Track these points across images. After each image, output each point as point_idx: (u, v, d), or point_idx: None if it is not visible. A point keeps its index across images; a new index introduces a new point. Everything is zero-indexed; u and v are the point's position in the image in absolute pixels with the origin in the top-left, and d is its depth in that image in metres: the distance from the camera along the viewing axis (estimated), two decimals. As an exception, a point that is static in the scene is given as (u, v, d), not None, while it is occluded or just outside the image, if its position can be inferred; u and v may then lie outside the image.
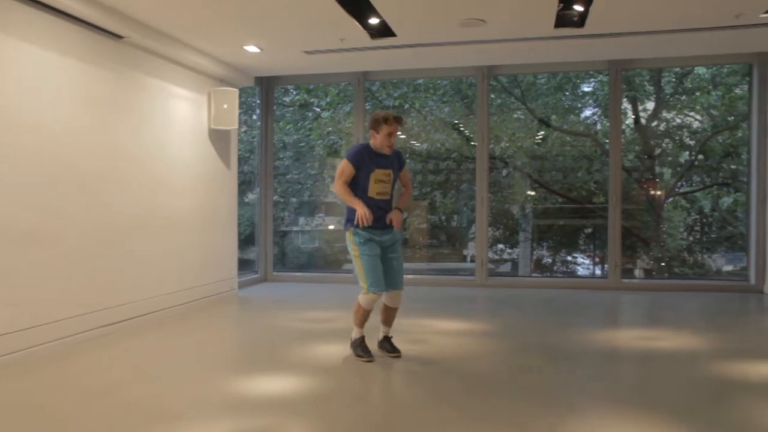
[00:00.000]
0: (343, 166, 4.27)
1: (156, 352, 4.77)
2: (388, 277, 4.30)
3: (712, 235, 9.42)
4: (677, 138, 9.17)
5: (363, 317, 4.35)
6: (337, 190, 4.30)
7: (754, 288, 7.31)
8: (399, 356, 4.40)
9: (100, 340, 4.95)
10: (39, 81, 4.59)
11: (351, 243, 4.31)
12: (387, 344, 4.49)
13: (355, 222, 4.16)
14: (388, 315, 4.47)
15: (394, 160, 4.37)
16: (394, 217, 4.32)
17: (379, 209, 4.27)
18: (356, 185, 4.26)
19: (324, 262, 9.95)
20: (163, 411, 3.32)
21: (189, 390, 3.71)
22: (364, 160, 4.24)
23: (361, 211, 4.11)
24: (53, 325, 4.65)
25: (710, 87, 8.91)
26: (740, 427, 3.09)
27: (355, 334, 4.42)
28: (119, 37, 5.35)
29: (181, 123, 6.41)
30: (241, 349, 5.11)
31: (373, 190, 4.26)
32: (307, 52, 6.76)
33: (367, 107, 8.47)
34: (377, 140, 4.25)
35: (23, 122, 4.44)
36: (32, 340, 4.46)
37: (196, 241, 6.61)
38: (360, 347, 4.37)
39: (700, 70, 8.87)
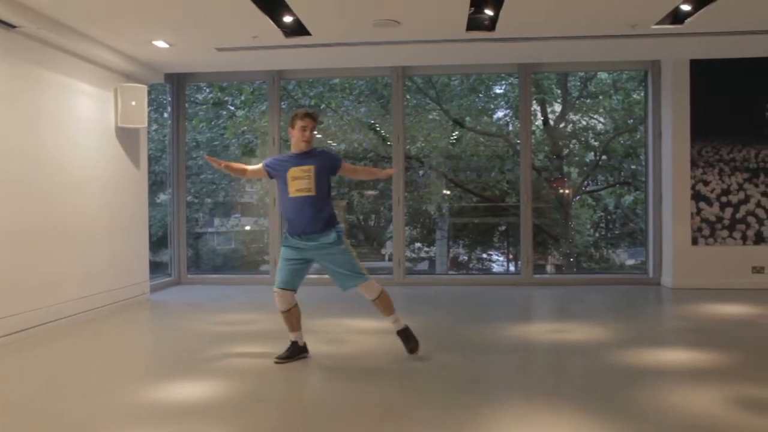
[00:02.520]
0: (256, 166, 4.47)
1: (63, 361, 4.51)
2: (338, 282, 4.35)
3: (616, 232, 9.95)
4: (583, 139, 9.61)
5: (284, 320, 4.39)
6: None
7: (652, 281, 7.78)
8: (417, 350, 4.36)
9: (1, 350, 4.64)
10: None
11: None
12: (401, 338, 4.42)
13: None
14: (377, 307, 4.41)
15: (317, 160, 4.23)
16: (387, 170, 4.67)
17: (302, 207, 4.16)
18: (279, 190, 4.31)
19: (240, 263, 9.74)
20: (72, 423, 3.14)
21: (100, 400, 3.53)
22: (279, 164, 4.28)
23: (221, 163, 4.39)
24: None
25: (612, 91, 9.40)
26: (642, 410, 3.27)
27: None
28: (11, 26, 5.00)
29: (85, 121, 6.09)
30: (153, 356, 4.92)
31: (293, 187, 4.17)
32: (219, 49, 6.59)
33: (283, 106, 8.37)
34: (294, 137, 4.23)
35: None
36: None
37: (103, 245, 6.31)
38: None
39: (603, 75, 9.34)
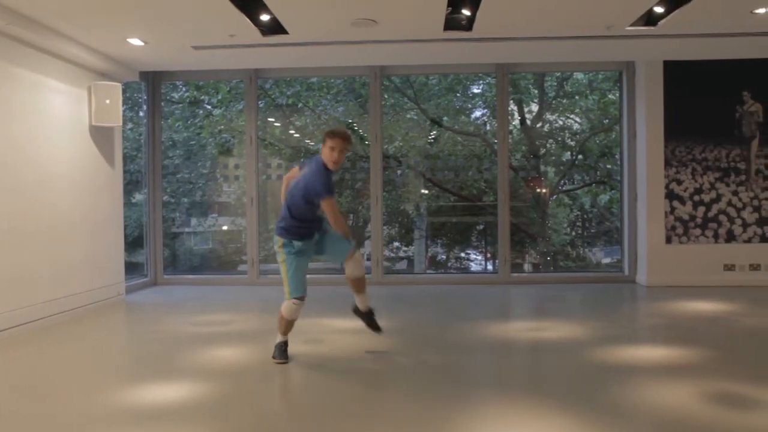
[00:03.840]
0: (330, 202, 4.17)
1: (35, 364, 4.42)
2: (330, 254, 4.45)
3: (592, 230, 10.07)
4: (559, 138, 9.71)
5: (285, 326, 4.35)
6: (338, 221, 4.24)
7: (627, 278, 7.88)
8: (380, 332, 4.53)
9: (-34, 354, 4.54)
10: None
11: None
12: (364, 318, 4.54)
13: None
14: (351, 286, 4.42)
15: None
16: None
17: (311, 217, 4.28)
18: (314, 206, 4.19)
19: (218, 263, 9.66)
20: (45, 427, 3.08)
21: (74, 403, 3.47)
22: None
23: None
24: None
25: (587, 91, 9.50)
26: (619, 407, 3.32)
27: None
28: (-17, 24, 4.91)
29: (58, 119, 5.99)
30: (128, 358, 4.85)
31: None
32: (195, 47, 6.53)
33: (260, 105, 8.32)
34: (324, 154, 4.18)
35: None
36: None
37: (77, 245, 6.21)
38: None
39: (579, 76, 9.44)
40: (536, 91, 9.73)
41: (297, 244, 4.20)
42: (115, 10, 5.26)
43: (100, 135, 6.66)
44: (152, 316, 6.31)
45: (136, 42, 6.18)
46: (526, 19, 5.76)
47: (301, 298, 4.23)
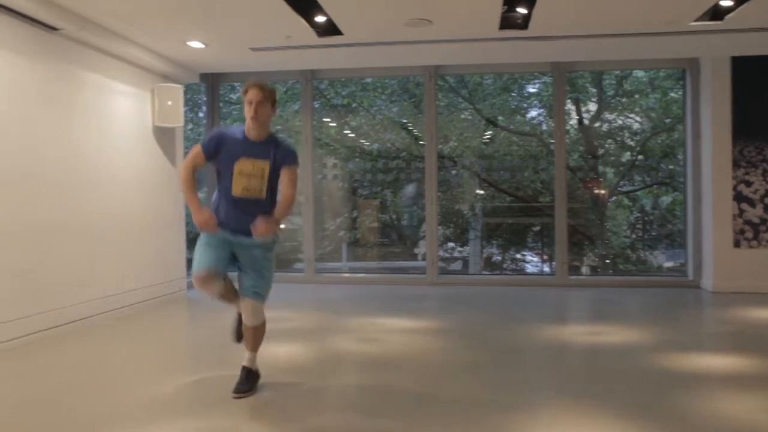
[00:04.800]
0: (192, 152, 3.47)
1: (102, 355, 4.60)
2: (241, 279, 3.55)
3: (653, 233, 9.75)
4: (619, 138, 9.44)
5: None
6: (180, 178, 3.46)
7: (692, 283, 7.59)
8: (238, 397, 3.44)
9: (44, 343, 4.75)
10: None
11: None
12: (241, 375, 3.55)
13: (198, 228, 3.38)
14: (245, 333, 3.62)
15: (272, 152, 3.40)
16: (258, 222, 3.26)
17: (244, 214, 3.34)
18: (219, 179, 3.44)
19: (275, 261, 9.81)
20: (111, 415, 3.20)
21: (138, 392, 3.60)
22: (225, 145, 3.37)
23: (197, 218, 3.30)
24: (-15, 331, 4.45)
25: (648, 90, 9.21)
26: (680, 415, 3.19)
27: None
28: (54, 29, 5.14)
29: (123, 120, 6.21)
30: (190, 351, 4.98)
31: (237, 185, 3.34)
32: (253, 49, 6.66)
33: (316, 106, 8.41)
34: (245, 111, 3.40)
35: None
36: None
37: (141, 242, 6.43)
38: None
39: (639, 74, 9.15)
40: (594, 90, 9.49)
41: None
42: (177, 14, 5.42)
43: (162, 135, 6.87)
44: (213, 311, 6.44)
45: (196, 45, 6.35)
46: (584, 17, 5.63)
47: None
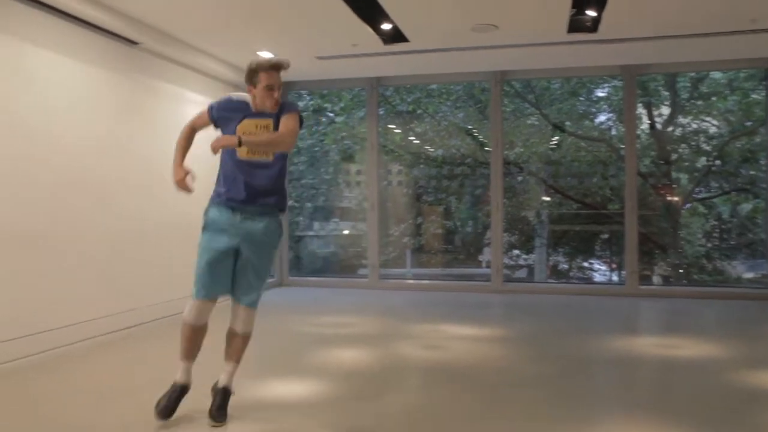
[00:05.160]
0: (199, 114, 3.32)
1: (171, 355, 4.77)
2: (236, 283, 3.27)
3: (732, 242, 9.30)
4: (694, 143, 9.08)
5: (184, 341, 3.26)
6: (178, 137, 3.33)
7: (774, 295, 7.20)
8: (220, 426, 3.12)
9: (119, 343, 4.98)
10: (53, 86, 4.66)
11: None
12: (217, 398, 3.20)
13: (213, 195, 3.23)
14: (230, 342, 3.33)
15: (277, 113, 3.15)
16: (217, 138, 3.07)
17: (251, 179, 3.13)
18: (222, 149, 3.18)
19: (339, 266, 9.95)
20: (180, 413, 3.32)
21: (207, 392, 3.71)
22: (230, 109, 3.19)
23: (175, 176, 3.24)
24: (71, 328, 4.70)
25: (727, 92, 8.82)
26: (760, 435, 3.04)
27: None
28: (134, 43, 5.41)
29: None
30: (257, 354, 5.09)
31: (242, 148, 3.09)
32: (320, 58, 6.79)
33: (381, 112, 8.47)
34: (257, 97, 3.12)
35: (35, 127, 4.51)
36: (53, 342, 4.51)
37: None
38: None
39: (716, 75, 8.78)
40: (667, 93, 9.17)
41: (212, 211, 3.28)
42: (249, 26, 5.60)
43: (232, 143, 7.08)
44: (279, 315, 6.60)
45: (265, 54, 6.53)
46: (657, 18, 5.45)
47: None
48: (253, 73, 3.09)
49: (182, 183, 3.21)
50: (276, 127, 3.09)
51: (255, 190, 3.13)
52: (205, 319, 3.23)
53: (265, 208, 3.16)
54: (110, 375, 4.17)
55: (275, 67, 3.09)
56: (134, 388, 3.77)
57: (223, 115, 3.19)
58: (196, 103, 6.42)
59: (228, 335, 3.31)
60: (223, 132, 3.17)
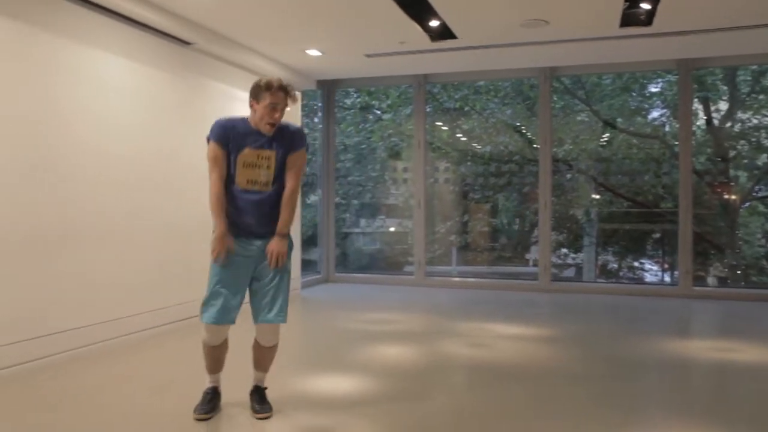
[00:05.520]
0: (209, 152, 3.12)
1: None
2: (259, 302, 3.19)
3: (794, 243, 8.93)
4: (754, 139, 8.74)
5: (206, 357, 3.30)
6: (210, 195, 3.10)
7: (838, 298, 6.88)
8: (268, 417, 3.20)
9: (168, 336, 5.12)
10: (109, 85, 4.81)
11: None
12: (255, 396, 3.31)
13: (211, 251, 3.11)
14: (258, 354, 3.33)
15: (279, 141, 3.12)
16: (273, 249, 3.10)
17: (251, 208, 3.11)
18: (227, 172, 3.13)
19: (385, 263, 9.99)
20: (225, 406, 3.39)
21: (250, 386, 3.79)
22: (232, 133, 3.09)
23: (214, 245, 3.07)
24: (121, 321, 4.86)
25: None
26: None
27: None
28: (187, 43, 5.55)
29: (246, 126, 6.57)
30: (304, 349, 5.17)
31: (242, 177, 3.08)
32: (367, 56, 6.81)
33: (428, 109, 8.45)
34: (257, 113, 3.09)
35: (92, 124, 4.67)
36: (103, 335, 4.67)
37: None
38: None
39: (780, 68, 8.44)
40: (726, 88, 8.85)
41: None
42: (298, 25, 5.66)
43: (281, 141, 7.19)
44: (325, 311, 6.67)
45: (314, 53, 6.60)
46: (716, 8, 5.25)
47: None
48: (259, 90, 3.09)
49: (222, 255, 3.09)
50: (278, 159, 3.09)
51: (259, 216, 3.12)
52: (223, 337, 3.26)
53: (272, 229, 3.14)
54: (158, 367, 4.29)
55: (283, 89, 3.08)
56: (182, 379, 3.87)
57: (228, 134, 3.10)
58: (245, 101, 6.52)
59: (255, 348, 3.31)
60: (231, 153, 3.09)
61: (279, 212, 3.13)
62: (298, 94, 3.19)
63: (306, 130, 8.92)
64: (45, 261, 4.25)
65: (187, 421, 3.17)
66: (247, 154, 3.07)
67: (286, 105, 3.10)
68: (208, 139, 3.14)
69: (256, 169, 3.08)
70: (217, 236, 3.06)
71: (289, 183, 3.13)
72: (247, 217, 3.10)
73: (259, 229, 3.13)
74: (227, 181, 3.10)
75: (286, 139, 3.13)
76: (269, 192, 3.10)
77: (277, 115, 3.07)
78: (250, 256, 3.14)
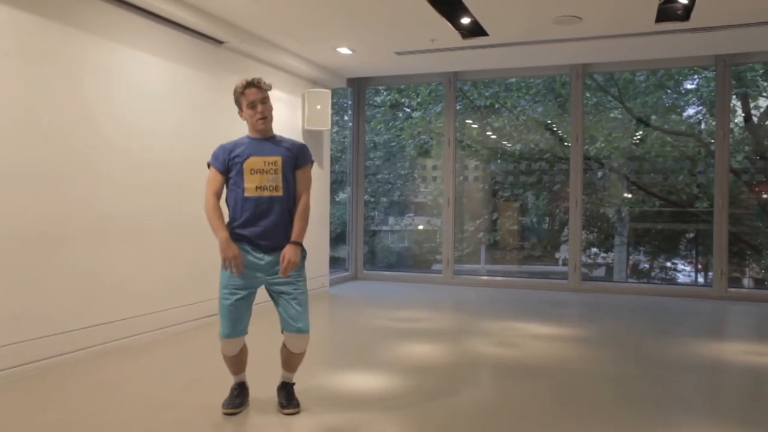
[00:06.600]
0: (209, 175, 3.21)
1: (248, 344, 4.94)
2: (282, 313, 3.25)
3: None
4: (795, 138, 8.52)
5: (227, 364, 3.36)
6: (205, 209, 3.13)
7: None
8: (295, 413, 3.25)
9: (196, 331, 5.21)
10: (144, 85, 4.90)
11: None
12: (282, 392, 3.36)
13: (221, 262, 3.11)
14: (287, 358, 3.35)
15: (284, 149, 3.24)
16: (286, 255, 3.11)
17: (262, 217, 3.14)
18: (230, 190, 3.19)
19: (413, 261, 9.98)
20: (254, 401, 3.44)
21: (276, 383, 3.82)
22: (234, 152, 3.17)
23: (225, 253, 3.06)
24: (151, 316, 4.95)
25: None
26: None
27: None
28: (220, 42, 5.62)
29: (278, 124, 6.55)
30: (332, 345, 5.21)
31: (250, 185, 3.12)
32: (398, 53, 6.81)
33: (458, 107, 8.41)
34: (247, 120, 3.24)
35: (129, 123, 4.76)
36: (132, 330, 4.77)
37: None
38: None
39: (823, 63, 8.20)
40: (766, 84, 8.63)
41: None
42: (329, 24, 5.69)
43: (311, 138, 7.24)
44: (353, 308, 6.70)
45: (345, 51, 6.62)
46: (757, 2, 5.12)
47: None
48: (236, 97, 3.22)
49: (235, 262, 3.08)
50: (285, 164, 3.17)
51: (270, 224, 3.15)
52: (240, 346, 3.30)
53: (281, 242, 3.17)
54: (189, 361, 4.37)
55: (251, 84, 3.18)
56: (212, 375, 3.93)
57: (228, 160, 3.17)
58: (277, 99, 6.57)
59: (283, 351, 3.33)
60: (234, 174, 3.16)
61: (289, 219, 3.19)
62: (269, 82, 3.34)
63: (335, 128, 8.97)
64: (77, 258, 4.34)
65: (215, 415, 3.22)
66: (253, 161, 3.14)
67: (265, 97, 3.22)
68: (209, 164, 3.24)
69: (264, 174, 3.14)
70: (221, 243, 3.08)
71: (302, 197, 3.24)
72: (256, 225, 3.13)
73: (267, 236, 3.14)
74: (236, 195, 3.15)
75: (293, 152, 3.23)
76: (280, 195, 3.15)
77: (260, 108, 3.19)
78: (257, 269, 3.17)
